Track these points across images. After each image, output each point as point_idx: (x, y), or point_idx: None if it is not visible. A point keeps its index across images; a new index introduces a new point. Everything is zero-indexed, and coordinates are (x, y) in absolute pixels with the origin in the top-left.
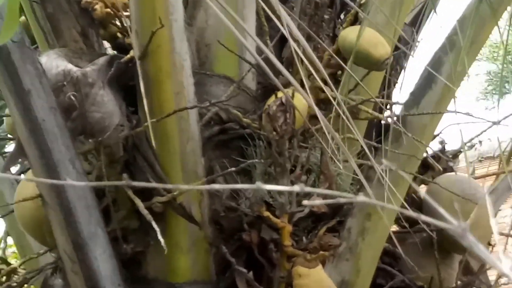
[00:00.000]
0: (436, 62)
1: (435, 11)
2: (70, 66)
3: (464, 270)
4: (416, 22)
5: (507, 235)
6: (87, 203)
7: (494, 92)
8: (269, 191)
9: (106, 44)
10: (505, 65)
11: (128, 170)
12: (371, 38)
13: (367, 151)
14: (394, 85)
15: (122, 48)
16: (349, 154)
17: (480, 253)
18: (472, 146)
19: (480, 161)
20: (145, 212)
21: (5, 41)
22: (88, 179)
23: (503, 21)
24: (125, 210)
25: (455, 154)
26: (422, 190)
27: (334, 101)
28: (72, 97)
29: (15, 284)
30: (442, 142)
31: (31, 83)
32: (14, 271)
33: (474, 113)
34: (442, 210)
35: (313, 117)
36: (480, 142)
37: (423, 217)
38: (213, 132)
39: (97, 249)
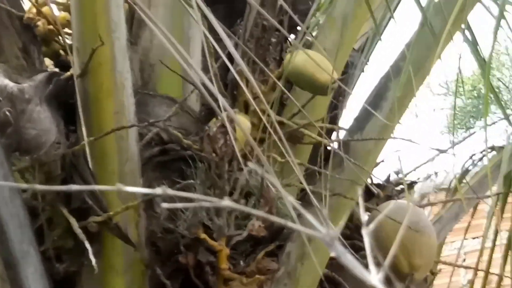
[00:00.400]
0: (382, 88)
1: (380, 39)
2: (6, 82)
3: None
4: (364, 48)
5: (453, 265)
6: (20, 222)
7: (459, 126)
8: (207, 213)
9: (49, 61)
10: (469, 100)
11: None
12: (317, 63)
13: (299, 174)
14: (341, 110)
15: (64, 66)
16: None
17: (347, 263)
18: (428, 177)
19: (436, 192)
20: (78, 231)
21: None
22: (22, 196)
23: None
24: (60, 229)
25: (411, 184)
26: (366, 216)
27: (274, 124)
28: (7, 113)
29: None
30: (397, 172)
31: None
32: None
33: (420, 142)
34: (310, 218)
35: (257, 141)
36: (436, 173)
37: (290, 224)
38: (153, 153)
39: (29, 268)
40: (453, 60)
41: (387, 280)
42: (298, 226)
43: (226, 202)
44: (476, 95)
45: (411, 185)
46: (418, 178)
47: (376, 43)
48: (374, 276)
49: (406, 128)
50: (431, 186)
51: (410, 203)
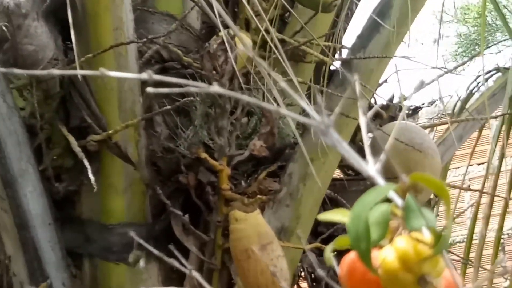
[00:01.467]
0: (385, 5)
1: None
2: None
3: None
4: None
5: (458, 187)
6: (18, 139)
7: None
8: (209, 133)
9: None
10: (475, 28)
11: (64, 107)
12: None
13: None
14: (345, 30)
15: None
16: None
17: (343, 151)
18: (432, 102)
19: (440, 118)
20: (77, 149)
21: None
22: (20, 114)
23: None
24: (59, 148)
25: (415, 109)
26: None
27: (275, 42)
28: (4, 28)
29: None
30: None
31: None
32: None
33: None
34: (306, 106)
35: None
36: (441, 98)
37: (283, 110)
38: (153, 71)
39: (28, 187)
40: None
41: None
42: (292, 113)
43: (215, 88)
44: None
45: (416, 109)
46: (423, 103)
47: None
48: (371, 167)
49: (410, 49)
50: (436, 110)
51: (414, 124)
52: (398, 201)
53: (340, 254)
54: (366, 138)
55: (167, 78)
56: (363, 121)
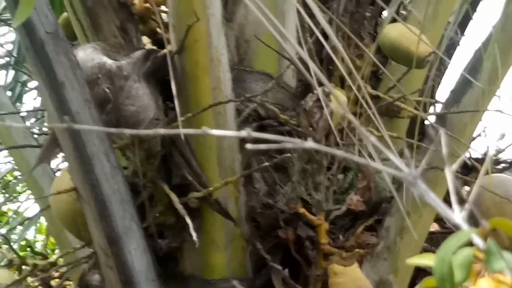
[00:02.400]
0: (477, 60)
1: (474, 10)
2: (105, 59)
3: None
4: (460, 20)
5: None
6: (121, 198)
7: None
8: (306, 189)
9: (146, 39)
10: None
11: (165, 166)
12: (412, 36)
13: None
14: (438, 84)
15: (161, 43)
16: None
17: (431, 201)
18: None
19: None
20: (179, 206)
21: (20, 23)
22: (124, 173)
23: None
24: (161, 205)
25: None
26: (465, 191)
27: (368, 99)
28: (107, 90)
29: (53, 277)
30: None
31: (65, 75)
32: (53, 265)
33: None
34: (393, 158)
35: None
36: None
37: (372, 163)
38: (251, 129)
39: (132, 244)
40: None
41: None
42: (381, 165)
43: (310, 143)
44: None
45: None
46: None
47: (472, 16)
48: (457, 214)
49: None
50: None
51: (509, 176)
52: (480, 244)
53: None
54: (453, 187)
55: (264, 135)
56: (448, 172)
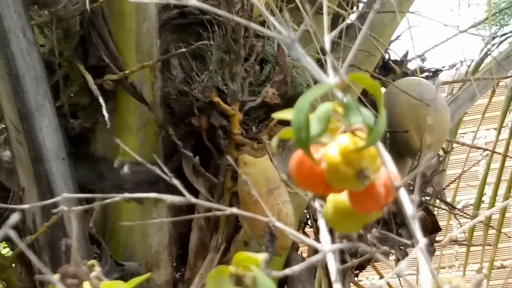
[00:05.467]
0: None
1: None
2: None
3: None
4: None
5: (467, 145)
6: (36, 74)
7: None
8: (223, 78)
9: None
10: None
11: (82, 46)
12: None
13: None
14: None
15: None
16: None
17: (307, 64)
18: (453, 66)
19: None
20: (94, 87)
21: None
22: (40, 51)
23: None
24: (76, 85)
25: (436, 71)
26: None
27: None
28: None
29: None
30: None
31: None
32: None
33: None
34: (273, 20)
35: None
36: (461, 61)
37: (254, 25)
38: (171, 15)
39: (43, 121)
40: None
41: None
42: (262, 28)
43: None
44: None
45: (437, 71)
46: (443, 66)
47: None
48: (331, 79)
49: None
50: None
51: (426, 81)
52: (340, 97)
53: None
54: (330, 54)
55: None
56: (327, 38)
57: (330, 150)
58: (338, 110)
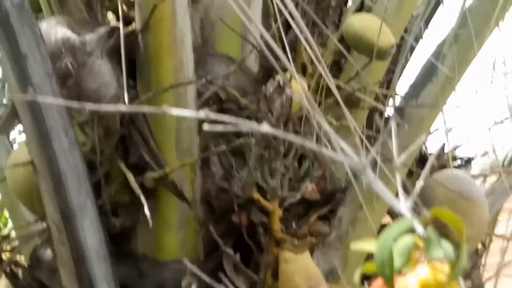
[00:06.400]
0: (439, 55)
1: (442, 3)
2: (69, 33)
3: None
4: (424, 15)
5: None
6: (78, 174)
7: None
8: (262, 175)
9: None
10: None
11: (123, 145)
12: (376, 27)
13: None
14: (399, 77)
15: (126, 21)
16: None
17: (379, 190)
18: (485, 154)
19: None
20: (135, 185)
21: None
22: (81, 150)
23: None
24: (117, 184)
25: (468, 160)
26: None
27: (331, 87)
28: (69, 65)
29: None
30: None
31: (29, 47)
32: (5, 238)
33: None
34: (344, 145)
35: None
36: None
37: (324, 150)
38: (210, 111)
39: (85, 221)
40: None
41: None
42: (332, 152)
43: (265, 127)
44: None
45: (469, 160)
46: (476, 154)
47: (435, 10)
48: (403, 204)
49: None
50: (488, 162)
51: (464, 173)
52: (420, 232)
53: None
54: (399, 178)
55: (222, 116)
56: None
57: (410, 282)
58: (419, 243)
